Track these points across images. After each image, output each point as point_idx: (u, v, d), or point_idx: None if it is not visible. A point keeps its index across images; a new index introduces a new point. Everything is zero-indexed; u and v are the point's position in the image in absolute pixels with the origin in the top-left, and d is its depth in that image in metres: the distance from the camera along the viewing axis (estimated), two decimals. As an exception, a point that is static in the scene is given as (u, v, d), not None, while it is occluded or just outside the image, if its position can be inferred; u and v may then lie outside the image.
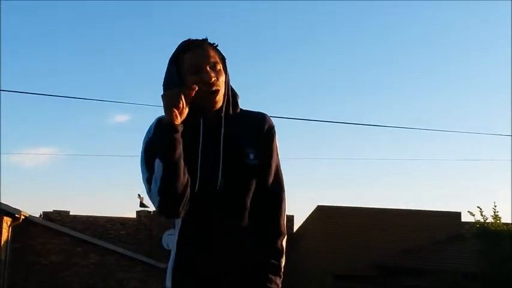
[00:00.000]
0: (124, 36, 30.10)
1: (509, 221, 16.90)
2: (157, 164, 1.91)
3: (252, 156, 2.03)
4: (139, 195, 19.88)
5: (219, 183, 1.97)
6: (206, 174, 1.97)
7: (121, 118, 30.33)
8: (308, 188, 32.20)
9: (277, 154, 2.11)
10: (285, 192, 2.12)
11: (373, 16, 29.51)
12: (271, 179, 2.07)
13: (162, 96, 1.94)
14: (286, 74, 30.35)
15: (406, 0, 29.31)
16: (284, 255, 2.09)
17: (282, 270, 2.08)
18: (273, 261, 2.05)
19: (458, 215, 19.86)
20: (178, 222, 2.04)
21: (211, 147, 1.99)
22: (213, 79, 1.98)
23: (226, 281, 1.99)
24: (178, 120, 1.91)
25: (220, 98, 2.02)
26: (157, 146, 1.93)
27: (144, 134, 2.05)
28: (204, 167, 1.97)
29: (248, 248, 2.02)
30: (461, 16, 29.57)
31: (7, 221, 16.84)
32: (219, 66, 2.02)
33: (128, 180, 30.57)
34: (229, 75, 2.08)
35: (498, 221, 15.40)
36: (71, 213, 20.45)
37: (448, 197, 30.92)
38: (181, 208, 1.94)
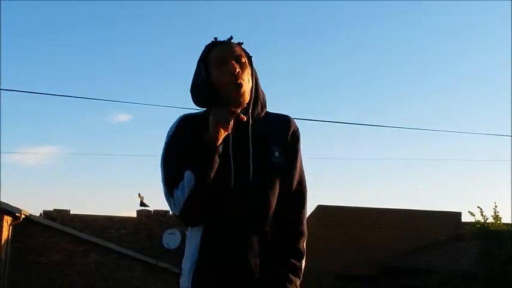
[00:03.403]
0: (126, 34, 30.11)
1: (510, 221, 16.93)
2: (188, 176, 1.92)
3: (277, 153, 2.06)
4: (139, 194, 19.89)
5: (250, 180, 1.99)
6: (238, 171, 1.99)
7: (122, 117, 30.32)
8: (308, 187, 32.08)
9: (301, 156, 2.15)
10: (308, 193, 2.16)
11: (374, 17, 29.53)
12: (295, 179, 2.11)
13: (212, 112, 1.93)
14: (286, 73, 30.36)
15: (407, 0, 29.29)
16: (304, 257, 2.10)
17: (302, 271, 2.09)
18: (295, 261, 2.06)
19: (458, 215, 19.84)
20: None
21: (241, 144, 2.01)
22: (237, 70, 2.00)
23: (249, 279, 1.97)
24: (220, 140, 1.93)
25: (245, 91, 2.03)
26: (193, 159, 1.93)
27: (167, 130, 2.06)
28: (236, 164, 1.99)
29: (269, 246, 2.01)
30: (461, 16, 29.57)
31: (7, 220, 16.83)
32: (244, 60, 2.05)
33: (128, 179, 30.56)
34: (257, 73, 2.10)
35: (498, 221, 15.44)
36: (71, 212, 20.42)
37: (448, 197, 30.93)
38: (201, 220, 1.98)
